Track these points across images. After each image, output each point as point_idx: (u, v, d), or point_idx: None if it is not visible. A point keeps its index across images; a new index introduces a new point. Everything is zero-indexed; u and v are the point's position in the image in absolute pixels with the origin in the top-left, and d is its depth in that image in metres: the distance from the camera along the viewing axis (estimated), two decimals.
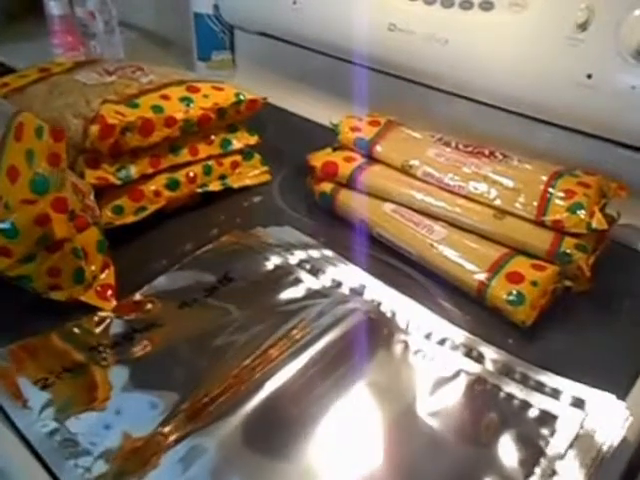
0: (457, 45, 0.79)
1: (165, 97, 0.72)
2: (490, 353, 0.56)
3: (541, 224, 0.65)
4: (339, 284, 0.64)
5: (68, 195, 0.56)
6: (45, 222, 0.55)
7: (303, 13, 0.94)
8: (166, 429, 0.48)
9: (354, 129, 0.78)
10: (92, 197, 0.63)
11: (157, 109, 0.70)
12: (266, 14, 1.01)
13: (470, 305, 0.63)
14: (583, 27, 0.70)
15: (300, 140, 0.91)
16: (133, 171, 0.69)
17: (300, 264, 0.66)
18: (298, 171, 0.82)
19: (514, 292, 0.60)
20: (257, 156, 0.82)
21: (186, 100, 0.73)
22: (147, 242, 0.71)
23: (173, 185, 0.73)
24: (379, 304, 0.61)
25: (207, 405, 0.49)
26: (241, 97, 0.77)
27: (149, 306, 0.61)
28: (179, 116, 0.71)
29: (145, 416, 0.49)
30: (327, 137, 0.81)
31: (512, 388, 0.53)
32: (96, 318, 0.60)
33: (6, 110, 0.61)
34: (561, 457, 0.47)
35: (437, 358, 0.56)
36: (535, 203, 0.65)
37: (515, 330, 0.61)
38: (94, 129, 0.64)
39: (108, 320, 0.60)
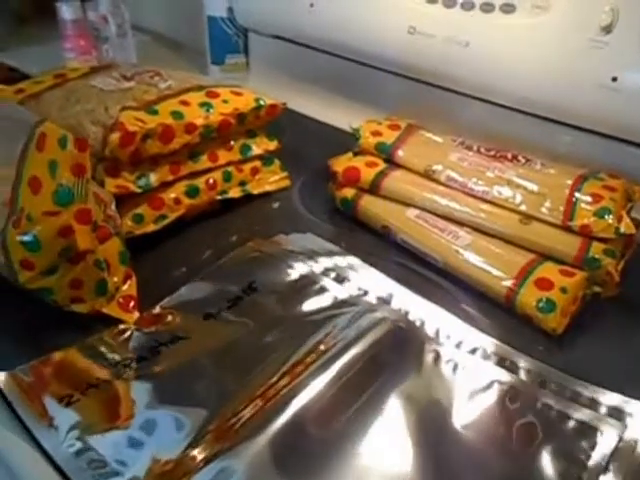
0: (478, 48, 0.78)
1: (185, 103, 0.71)
2: (523, 362, 0.55)
3: (567, 229, 0.64)
4: (365, 292, 0.63)
5: (91, 206, 0.55)
6: (68, 234, 0.54)
7: (320, 16, 0.93)
8: (194, 451, 0.46)
9: (375, 133, 0.77)
10: (113, 207, 0.62)
11: (177, 115, 0.69)
12: (282, 17, 1.00)
13: (497, 312, 0.62)
14: (607, 29, 0.69)
15: (317, 144, 0.90)
16: (153, 179, 0.68)
17: (325, 272, 0.65)
18: (317, 176, 0.82)
19: (544, 299, 0.59)
20: (277, 161, 0.81)
21: (206, 105, 0.72)
22: (166, 251, 0.70)
23: (193, 192, 0.72)
24: (407, 312, 0.60)
25: (234, 424, 0.48)
26: (261, 102, 0.76)
27: (171, 318, 0.60)
28: (199, 122, 0.70)
29: (172, 436, 0.48)
30: (343, 140, 0.81)
31: (548, 399, 0.52)
32: (118, 331, 0.58)
33: (26, 118, 0.60)
34: (604, 471, 0.46)
35: (469, 368, 0.55)
36: (561, 208, 0.64)
37: (543, 337, 0.60)
38: (114, 137, 0.63)
39: (131, 333, 0.58)
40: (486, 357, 0.56)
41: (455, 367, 0.55)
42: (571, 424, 0.50)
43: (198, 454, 0.46)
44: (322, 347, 0.55)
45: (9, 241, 0.54)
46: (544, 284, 0.60)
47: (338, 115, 0.94)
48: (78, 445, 0.47)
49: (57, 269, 0.56)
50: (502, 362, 0.55)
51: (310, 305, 0.61)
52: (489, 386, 0.53)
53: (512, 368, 0.55)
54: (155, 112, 0.68)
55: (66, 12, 1.06)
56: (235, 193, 0.77)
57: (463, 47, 0.79)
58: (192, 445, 0.47)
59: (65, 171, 0.54)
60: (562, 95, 0.74)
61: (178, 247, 0.71)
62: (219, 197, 0.75)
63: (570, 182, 0.66)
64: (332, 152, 0.79)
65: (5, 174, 0.58)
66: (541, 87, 0.75)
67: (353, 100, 0.97)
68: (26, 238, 0.53)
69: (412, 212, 0.70)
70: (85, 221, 0.54)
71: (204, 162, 0.73)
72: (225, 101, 0.74)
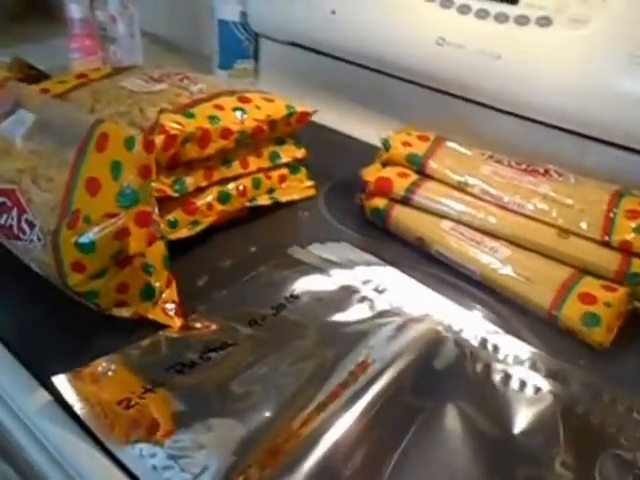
0: (510, 61, 0.79)
1: (219, 107, 0.70)
2: (573, 374, 0.55)
3: (606, 244, 0.64)
4: (407, 303, 0.62)
5: (151, 208, 0.54)
6: (123, 236, 0.53)
7: (343, 24, 0.92)
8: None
9: (406, 144, 0.76)
10: (157, 210, 0.60)
11: (214, 120, 0.68)
12: (300, 24, 0.99)
13: (537, 325, 0.62)
14: None
15: (334, 154, 0.89)
16: (188, 183, 0.67)
17: (365, 282, 0.64)
18: (339, 185, 0.82)
19: (589, 313, 0.60)
20: (303, 170, 0.81)
21: (239, 111, 0.71)
22: (195, 257, 0.69)
23: (224, 198, 0.71)
24: (450, 324, 0.60)
25: (276, 453, 0.46)
26: (292, 109, 0.76)
27: (216, 325, 0.59)
28: (235, 127, 0.69)
29: (220, 454, 0.45)
30: (361, 151, 0.81)
31: (602, 411, 0.52)
32: (161, 337, 0.57)
33: (78, 120, 0.58)
34: None
35: (521, 379, 0.55)
36: (600, 223, 0.65)
37: (586, 351, 0.60)
38: (158, 139, 0.62)
39: (176, 338, 0.57)
40: (535, 369, 0.56)
41: (506, 378, 0.55)
42: (629, 435, 0.50)
43: None
44: (368, 360, 0.54)
45: (62, 242, 0.52)
46: (587, 299, 0.61)
47: (353, 125, 0.93)
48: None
49: (105, 272, 0.54)
50: (552, 373, 0.56)
51: (353, 315, 0.60)
52: (543, 397, 0.53)
53: (563, 380, 0.55)
54: (192, 116, 0.67)
55: (75, 10, 1.03)
56: (264, 200, 0.76)
57: (494, 60, 0.78)
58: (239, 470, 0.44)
59: (130, 173, 0.53)
60: (600, 111, 0.74)
61: (206, 253, 0.70)
62: (249, 204, 0.74)
63: (607, 197, 0.67)
64: (351, 163, 0.79)
65: (53, 176, 0.57)
66: (577, 103, 0.76)
67: (369, 110, 0.97)
68: (82, 239, 0.51)
69: (446, 224, 0.70)
70: (143, 223, 0.53)
71: (235, 168, 0.72)
72: (258, 107, 0.73)
